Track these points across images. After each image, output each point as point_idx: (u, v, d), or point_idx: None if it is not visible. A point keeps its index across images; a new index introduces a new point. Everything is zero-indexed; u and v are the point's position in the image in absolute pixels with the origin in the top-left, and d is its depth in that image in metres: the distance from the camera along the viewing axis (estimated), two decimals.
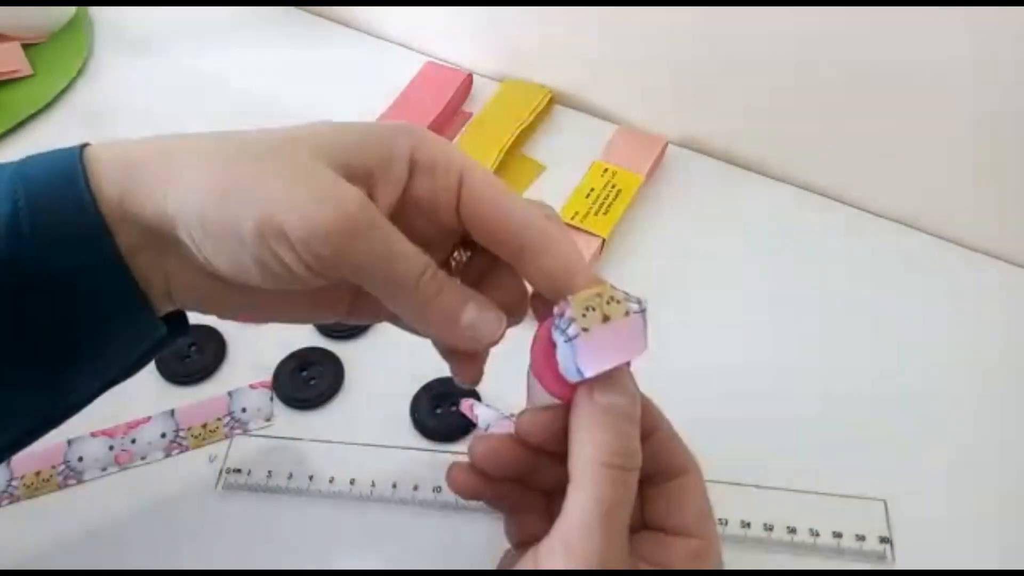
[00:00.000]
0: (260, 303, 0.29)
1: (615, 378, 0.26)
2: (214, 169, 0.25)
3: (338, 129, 0.27)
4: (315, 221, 0.24)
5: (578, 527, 0.24)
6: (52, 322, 0.26)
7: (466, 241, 0.30)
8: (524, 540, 0.30)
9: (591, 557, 0.24)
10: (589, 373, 0.24)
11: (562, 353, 0.25)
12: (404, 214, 0.27)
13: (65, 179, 0.25)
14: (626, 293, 0.25)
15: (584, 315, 0.24)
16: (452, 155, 0.27)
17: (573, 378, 0.25)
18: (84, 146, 0.26)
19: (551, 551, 0.25)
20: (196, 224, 0.25)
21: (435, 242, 0.29)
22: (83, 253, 0.25)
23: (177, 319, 0.30)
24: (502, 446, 0.29)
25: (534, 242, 0.27)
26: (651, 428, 0.29)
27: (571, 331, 0.24)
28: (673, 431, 0.30)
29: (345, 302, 0.31)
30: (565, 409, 0.27)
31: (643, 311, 0.24)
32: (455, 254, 0.31)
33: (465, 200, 0.27)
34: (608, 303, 0.24)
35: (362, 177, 0.26)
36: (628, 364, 0.26)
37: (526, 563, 0.26)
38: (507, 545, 0.31)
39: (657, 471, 0.29)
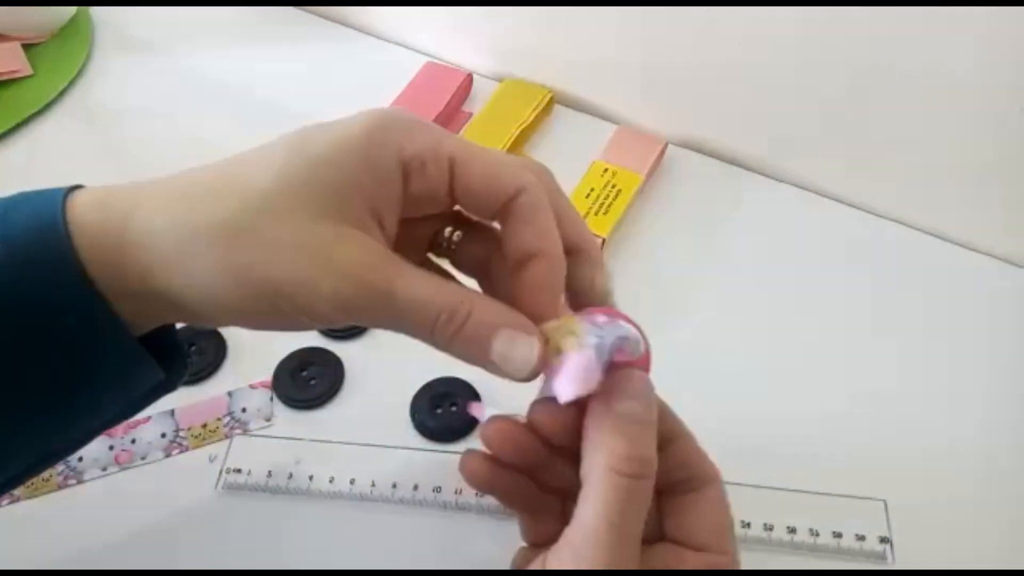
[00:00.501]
0: (237, 320, 0.28)
1: (631, 384, 0.26)
2: (214, 250, 0.25)
3: (332, 163, 0.25)
4: (334, 299, 0.24)
5: (587, 534, 0.24)
6: (40, 363, 0.25)
7: (459, 218, 0.30)
8: (538, 541, 0.29)
9: (598, 565, 0.24)
10: (555, 396, 0.25)
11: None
12: (403, 212, 0.27)
13: (49, 253, 0.24)
14: (608, 324, 0.26)
15: (549, 342, 0.25)
16: (438, 146, 0.26)
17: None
18: (65, 205, 0.25)
19: (559, 557, 0.25)
20: (208, 305, 0.25)
21: (428, 221, 0.29)
22: (63, 292, 0.25)
23: (175, 359, 0.30)
24: (515, 429, 0.28)
25: (526, 204, 0.26)
26: (671, 436, 0.29)
27: None
28: (695, 442, 0.29)
29: None
30: (577, 405, 0.26)
31: (596, 347, 0.25)
32: (446, 231, 0.30)
33: (458, 179, 0.26)
34: (565, 336, 0.25)
35: (365, 210, 0.25)
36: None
37: (535, 566, 0.26)
38: (504, 545, 0.31)
39: (677, 481, 0.28)
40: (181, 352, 0.30)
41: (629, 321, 0.27)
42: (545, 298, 0.27)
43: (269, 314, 0.25)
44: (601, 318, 0.26)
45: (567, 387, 0.25)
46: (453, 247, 0.30)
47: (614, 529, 0.24)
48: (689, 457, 0.29)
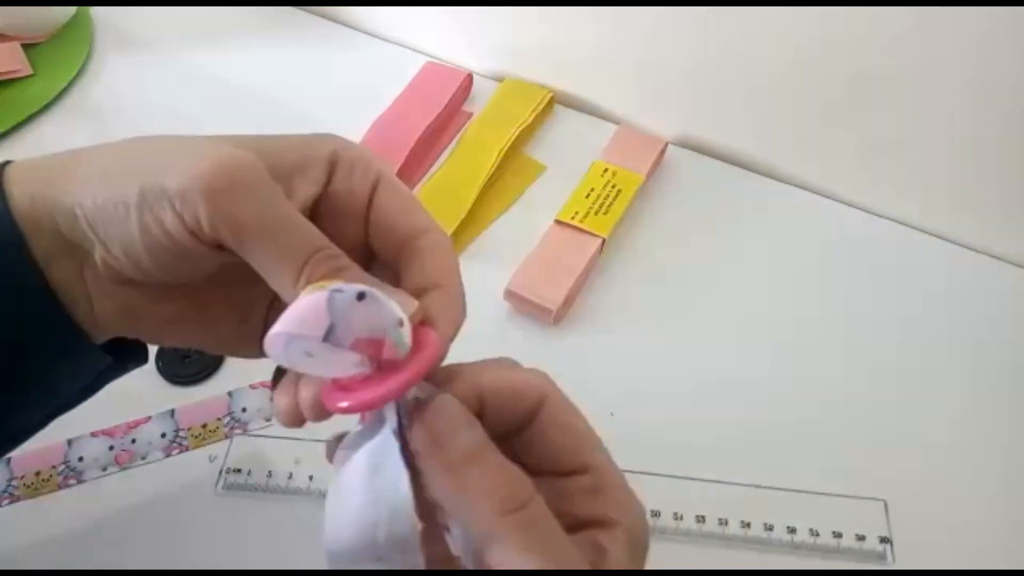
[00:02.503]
0: (178, 315, 0.28)
1: (447, 423, 0.23)
2: (108, 155, 0.25)
3: (260, 136, 0.26)
4: (191, 173, 0.23)
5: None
6: None
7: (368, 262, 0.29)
8: None
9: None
10: (269, 334, 0.21)
11: None
12: (317, 220, 0.26)
13: None
14: (353, 283, 0.21)
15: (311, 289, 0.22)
16: (372, 160, 0.27)
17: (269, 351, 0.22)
18: (6, 163, 0.26)
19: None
20: (90, 207, 0.24)
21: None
22: None
23: (135, 347, 0.30)
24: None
25: (426, 245, 0.26)
26: (538, 403, 0.25)
27: None
28: (567, 413, 0.26)
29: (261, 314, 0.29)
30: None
31: (332, 293, 0.21)
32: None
33: (378, 196, 0.27)
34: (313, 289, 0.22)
35: (279, 175, 0.25)
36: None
37: None
38: None
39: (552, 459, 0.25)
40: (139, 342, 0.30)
41: (428, 327, 0.24)
42: (443, 327, 0.25)
43: (136, 214, 0.24)
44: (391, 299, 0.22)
45: (278, 323, 0.21)
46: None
47: (546, 556, 0.22)
48: (504, 386, 0.25)
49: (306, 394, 0.24)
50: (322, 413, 0.24)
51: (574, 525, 0.24)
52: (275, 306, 0.29)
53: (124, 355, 0.29)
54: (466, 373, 0.25)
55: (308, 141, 0.27)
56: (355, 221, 0.27)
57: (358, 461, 0.23)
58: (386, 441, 0.23)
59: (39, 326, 0.26)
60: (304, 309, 0.21)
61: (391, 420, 0.23)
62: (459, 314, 0.25)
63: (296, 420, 0.25)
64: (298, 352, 0.21)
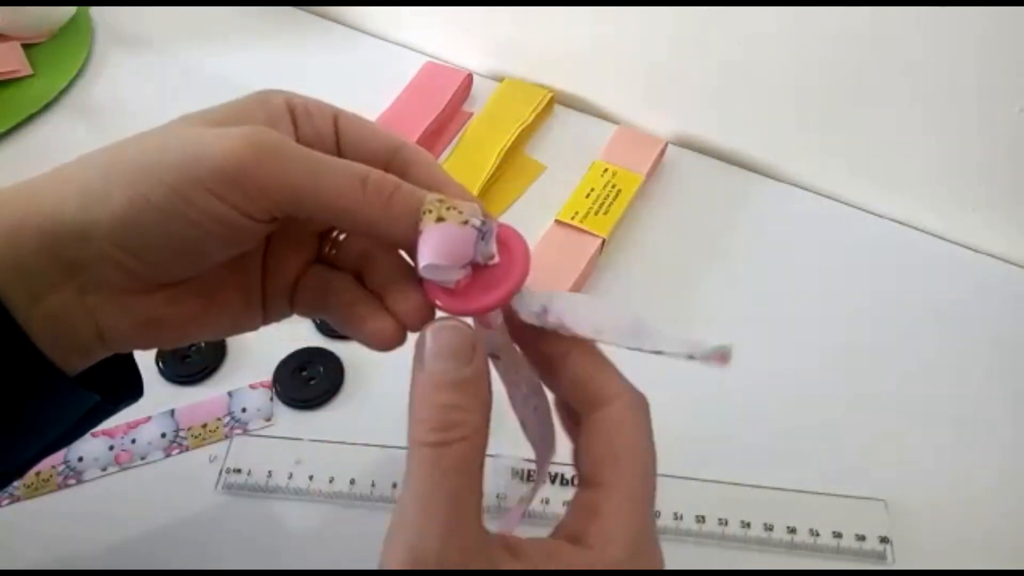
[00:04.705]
0: (197, 310, 0.28)
1: (440, 337, 0.24)
2: (98, 167, 0.24)
3: (219, 108, 0.26)
4: (225, 157, 0.23)
5: (397, 516, 0.23)
6: None
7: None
8: None
9: (404, 544, 0.22)
10: (421, 264, 0.25)
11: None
12: None
13: None
14: (477, 214, 0.25)
15: (426, 215, 0.25)
16: (323, 105, 0.28)
17: (425, 275, 0.25)
18: None
19: (388, 540, 0.23)
20: (109, 223, 0.24)
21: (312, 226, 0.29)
22: None
23: (126, 379, 0.29)
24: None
25: (408, 157, 0.27)
26: (561, 355, 0.26)
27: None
28: (592, 355, 0.26)
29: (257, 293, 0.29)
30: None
31: (479, 228, 0.25)
32: (333, 233, 0.30)
33: (343, 132, 0.28)
34: (447, 209, 0.25)
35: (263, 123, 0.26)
36: (497, 306, 0.26)
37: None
38: None
39: (577, 406, 0.26)
40: (131, 367, 0.30)
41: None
42: (447, 183, 0.27)
43: (178, 211, 0.23)
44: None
45: (448, 256, 0.24)
46: (336, 248, 0.30)
47: (420, 504, 0.22)
48: (579, 377, 0.26)
49: (415, 301, 0.26)
50: (428, 317, 0.26)
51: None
52: (267, 274, 0.29)
53: (117, 388, 0.29)
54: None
55: (260, 99, 0.27)
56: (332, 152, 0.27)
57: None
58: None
59: (15, 374, 0.24)
60: (457, 246, 0.25)
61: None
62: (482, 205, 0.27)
63: (400, 336, 0.27)
64: (433, 272, 0.25)
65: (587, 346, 0.26)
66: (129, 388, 0.30)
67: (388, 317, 0.27)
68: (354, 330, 0.28)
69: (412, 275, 0.27)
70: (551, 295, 0.26)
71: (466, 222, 0.25)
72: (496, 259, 0.26)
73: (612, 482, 0.24)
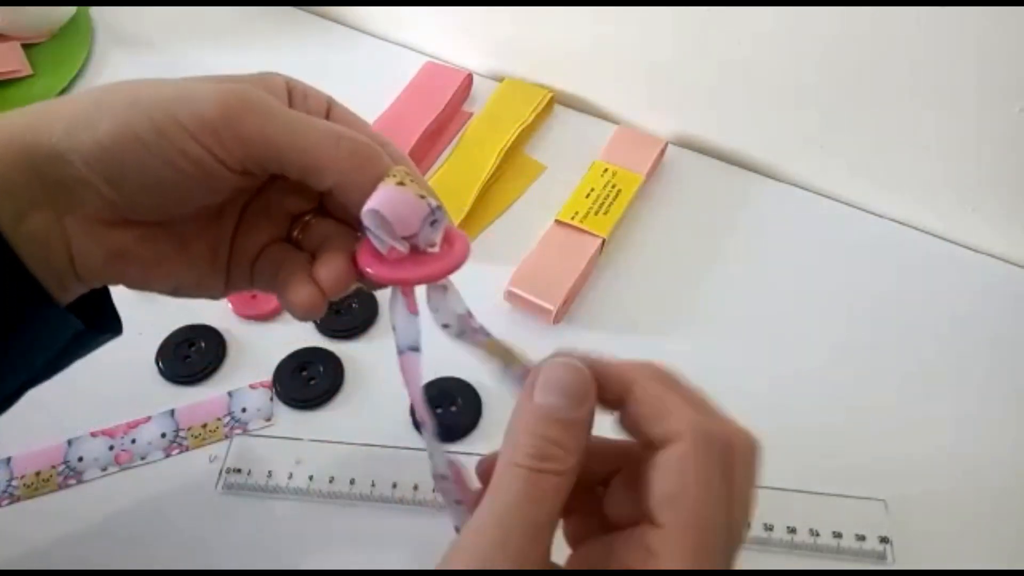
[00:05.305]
0: (165, 254, 0.28)
1: (557, 380, 0.25)
2: (92, 99, 0.25)
3: (219, 76, 0.29)
4: (211, 104, 0.25)
5: (472, 527, 0.23)
6: None
7: (318, 213, 0.31)
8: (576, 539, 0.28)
9: (480, 559, 0.22)
10: (365, 207, 0.25)
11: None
12: None
13: None
14: (437, 200, 0.26)
15: (388, 177, 0.26)
16: (318, 90, 0.30)
17: (364, 221, 0.26)
18: None
19: (456, 548, 0.24)
20: (92, 148, 0.25)
21: (294, 199, 0.30)
22: None
23: (105, 316, 0.30)
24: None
25: (391, 155, 0.28)
26: (624, 392, 0.25)
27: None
28: (655, 391, 0.25)
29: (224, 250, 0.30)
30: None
31: (432, 208, 0.26)
32: (306, 217, 0.31)
33: (335, 119, 0.29)
34: (411, 181, 0.26)
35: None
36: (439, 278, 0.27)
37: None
38: None
39: (640, 443, 0.25)
40: (108, 303, 0.30)
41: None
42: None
43: (157, 149, 0.25)
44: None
45: (397, 218, 0.25)
46: (304, 232, 0.31)
47: (499, 521, 0.23)
48: (641, 417, 0.25)
49: (338, 267, 0.28)
50: (347, 284, 0.28)
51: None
52: (236, 240, 0.30)
53: (96, 324, 0.29)
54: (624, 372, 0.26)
55: (261, 78, 0.29)
56: None
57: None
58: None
59: (4, 290, 0.25)
60: (405, 208, 0.25)
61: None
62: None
63: (317, 303, 0.28)
64: (373, 220, 0.26)
65: (648, 383, 0.25)
66: (108, 322, 0.30)
67: (311, 284, 0.28)
68: (280, 297, 0.29)
69: (344, 246, 0.28)
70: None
71: (423, 197, 0.26)
72: (436, 249, 0.27)
73: (672, 525, 0.23)
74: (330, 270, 0.28)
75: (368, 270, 0.27)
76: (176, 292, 0.30)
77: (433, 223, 0.26)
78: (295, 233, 0.30)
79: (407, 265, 0.27)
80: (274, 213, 0.30)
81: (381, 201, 0.25)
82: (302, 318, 0.29)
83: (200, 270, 0.30)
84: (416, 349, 0.27)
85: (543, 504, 0.23)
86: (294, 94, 0.29)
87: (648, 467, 0.24)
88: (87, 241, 0.26)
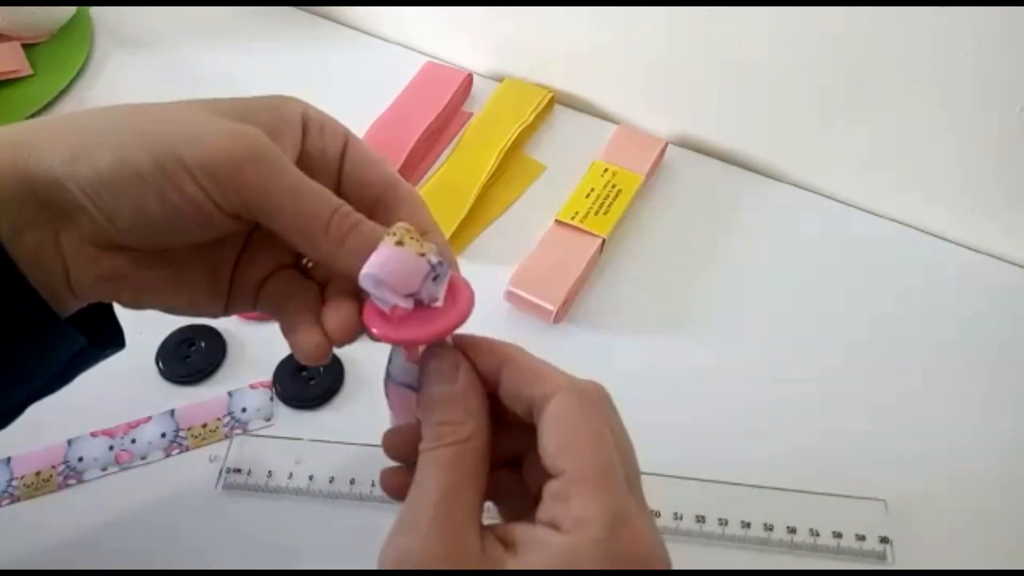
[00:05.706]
0: (160, 279, 0.28)
1: (437, 365, 0.27)
2: (93, 122, 0.25)
3: (231, 99, 0.28)
4: (212, 147, 0.24)
5: (395, 520, 0.25)
6: None
7: None
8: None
9: (398, 547, 0.24)
10: (362, 271, 0.25)
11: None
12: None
13: None
14: (439, 256, 0.26)
15: (388, 236, 0.26)
16: (336, 123, 0.29)
17: (363, 285, 0.26)
18: None
19: (390, 534, 0.25)
20: (89, 175, 0.24)
21: None
22: None
23: (108, 331, 0.30)
24: (412, 435, 0.28)
25: (400, 195, 0.29)
26: (497, 369, 0.27)
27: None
28: (526, 362, 0.27)
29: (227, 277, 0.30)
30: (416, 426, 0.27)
31: (433, 266, 0.26)
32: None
33: (348, 156, 0.29)
34: (411, 239, 0.26)
35: (266, 130, 0.26)
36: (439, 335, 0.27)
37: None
38: None
39: (522, 416, 0.27)
40: (111, 318, 0.30)
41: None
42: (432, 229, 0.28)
43: (154, 183, 0.24)
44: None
45: (397, 278, 0.25)
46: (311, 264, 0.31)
47: (408, 505, 0.25)
48: (518, 383, 0.26)
49: (344, 316, 0.27)
50: (352, 334, 0.27)
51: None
52: (240, 266, 0.30)
53: (99, 340, 0.29)
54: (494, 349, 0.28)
55: (276, 104, 0.28)
56: (328, 178, 0.28)
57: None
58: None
59: (7, 309, 0.25)
60: (404, 269, 0.25)
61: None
62: (453, 257, 0.29)
63: (321, 352, 0.27)
64: (372, 284, 0.26)
65: (519, 355, 0.27)
66: (112, 338, 0.30)
67: (318, 331, 0.27)
68: (286, 337, 0.29)
69: (354, 294, 0.28)
70: None
71: (423, 255, 0.25)
72: (440, 303, 0.26)
73: (571, 469, 0.24)
74: (338, 319, 0.27)
75: (373, 331, 0.27)
76: (171, 312, 0.30)
77: (435, 278, 0.26)
78: (305, 260, 0.30)
79: (411, 323, 0.26)
80: (281, 240, 0.29)
81: (379, 264, 0.25)
82: (307, 364, 0.29)
83: (196, 295, 0.29)
84: (412, 387, 0.28)
85: (452, 470, 0.25)
86: (310, 125, 0.28)
87: (539, 429, 0.26)
88: (81, 261, 0.26)
